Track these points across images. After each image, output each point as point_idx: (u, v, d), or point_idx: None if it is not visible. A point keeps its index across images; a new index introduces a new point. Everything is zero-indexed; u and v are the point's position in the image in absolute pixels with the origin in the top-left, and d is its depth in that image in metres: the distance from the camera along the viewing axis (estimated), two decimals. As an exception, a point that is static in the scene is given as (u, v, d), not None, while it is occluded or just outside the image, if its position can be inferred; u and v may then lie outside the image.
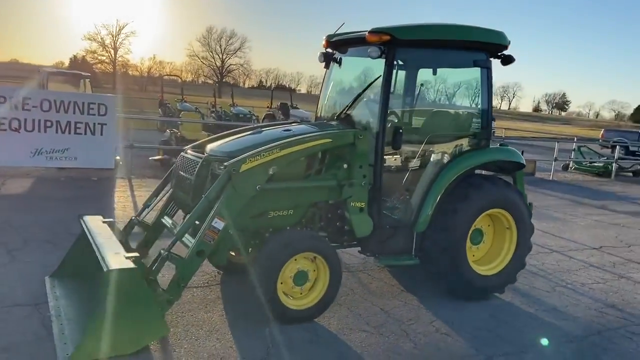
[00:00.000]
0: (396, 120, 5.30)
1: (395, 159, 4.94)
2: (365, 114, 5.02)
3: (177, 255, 3.98)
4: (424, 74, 5.75)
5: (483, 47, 5.04)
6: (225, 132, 5.28)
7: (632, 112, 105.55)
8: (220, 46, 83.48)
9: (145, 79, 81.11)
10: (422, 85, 5.80)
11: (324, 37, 5.45)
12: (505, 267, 5.26)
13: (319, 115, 5.69)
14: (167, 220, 4.97)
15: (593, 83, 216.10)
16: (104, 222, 4.78)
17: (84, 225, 4.71)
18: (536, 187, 13.26)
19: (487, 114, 5.19)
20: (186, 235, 4.49)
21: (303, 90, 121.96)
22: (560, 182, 15.08)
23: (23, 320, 4.09)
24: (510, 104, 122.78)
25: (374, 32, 4.68)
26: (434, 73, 5.71)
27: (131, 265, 3.68)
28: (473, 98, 5.26)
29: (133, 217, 5.01)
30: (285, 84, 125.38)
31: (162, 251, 3.99)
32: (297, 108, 24.12)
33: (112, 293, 3.54)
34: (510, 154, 5.30)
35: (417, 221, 4.90)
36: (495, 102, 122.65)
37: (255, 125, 5.62)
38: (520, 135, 35.40)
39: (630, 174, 18.18)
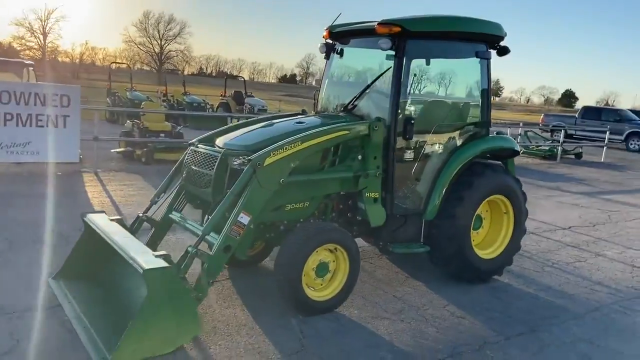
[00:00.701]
0: (399, 111, 5.38)
1: (404, 149, 5.02)
2: (375, 105, 5.08)
3: (204, 252, 3.93)
4: (426, 65, 5.85)
5: (483, 39, 5.20)
6: (232, 125, 5.24)
7: (559, 97, 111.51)
8: (159, 32, 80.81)
9: (77, 65, 77.53)
10: (414, 75, 5.90)
11: (326, 28, 5.45)
12: (503, 251, 5.50)
13: (320, 106, 5.70)
14: (175, 216, 4.87)
15: (524, 69, 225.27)
16: (111, 220, 4.63)
17: (91, 224, 4.54)
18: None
19: (488, 104, 5.38)
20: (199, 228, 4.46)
21: (245, 77, 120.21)
22: (513, 166, 15.71)
23: (41, 325, 3.93)
24: (446, 90, 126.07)
25: (384, 23, 4.73)
26: (427, 63, 5.83)
27: (166, 264, 3.61)
28: (473, 89, 5.40)
29: (140, 214, 4.88)
30: (226, 70, 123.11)
31: (189, 248, 3.93)
32: (252, 96, 23.83)
33: (149, 293, 3.46)
34: (509, 142, 5.53)
35: (426, 210, 5.03)
36: (432, 88, 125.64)
37: (261, 117, 5.57)
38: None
39: (573, 156, 19.20)
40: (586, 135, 24.03)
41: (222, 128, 5.25)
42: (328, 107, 5.63)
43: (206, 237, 4.16)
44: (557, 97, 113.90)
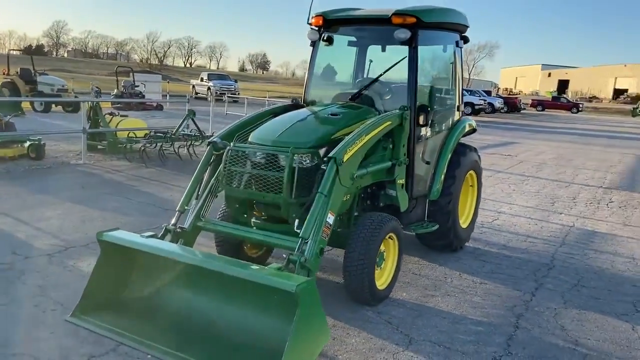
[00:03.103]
0: (387, 96, 5.55)
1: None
2: (379, 95, 5.20)
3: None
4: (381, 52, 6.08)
5: (459, 29, 5.68)
6: (246, 119, 4.88)
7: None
8: None
9: None
10: (371, 61, 6.12)
11: (317, 14, 5.32)
12: (471, 219, 6.24)
13: (309, 96, 5.58)
14: (204, 223, 4.39)
15: (289, 44, 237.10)
16: (148, 236, 3.97)
17: (124, 245, 3.85)
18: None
19: (462, 89, 5.93)
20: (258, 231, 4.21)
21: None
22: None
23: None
24: (218, 63, 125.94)
25: (399, 14, 4.87)
26: (383, 50, 6.10)
27: (307, 277, 3.36)
28: (451, 76, 5.85)
29: (166, 225, 4.25)
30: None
31: (291, 256, 3.66)
32: (46, 74, 20.66)
33: (301, 309, 3.20)
34: (473, 122, 6.19)
35: (432, 190, 5.43)
36: (204, 62, 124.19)
37: (272, 109, 5.19)
38: (255, 95, 37.08)
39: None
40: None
41: (235, 124, 4.85)
42: (320, 96, 5.55)
43: (279, 241, 4.01)
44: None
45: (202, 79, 36.51)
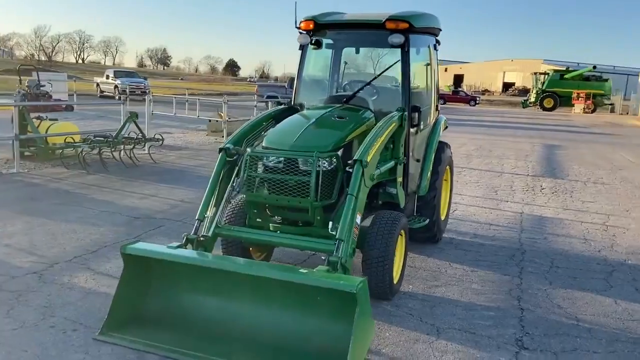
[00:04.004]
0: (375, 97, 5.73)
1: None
2: (370, 97, 5.37)
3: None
4: (355, 53, 6.27)
5: (436, 32, 5.99)
6: (250, 124, 4.88)
7: (224, 66, 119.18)
8: None
9: None
10: (345, 63, 6.29)
11: (307, 18, 5.38)
12: (447, 212, 6.62)
13: (299, 99, 5.62)
14: (221, 230, 4.36)
15: (190, 39, 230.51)
16: (176, 247, 3.90)
17: (155, 257, 3.80)
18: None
19: (438, 88, 6.25)
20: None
21: None
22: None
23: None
24: (114, 59, 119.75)
25: (392, 19, 5.07)
26: (357, 52, 6.30)
27: (360, 278, 3.47)
28: (430, 76, 6.10)
29: (187, 235, 4.17)
30: None
31: (331, 258, 3.77)
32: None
33: (360, 308, 3.33)
34: (445, 119, 6.54)
35: (420, 186, 5.71)
36: (98, 57, 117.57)
37: (269, 113, 5.17)
38: (168, 93, 35.84)
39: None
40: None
41: (241, 129, 4.83)
42: (310, 99, 5.63)
43: (313, 244, 4.11)
44: (222, 66, 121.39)
45: (107, 77, 34.77)
